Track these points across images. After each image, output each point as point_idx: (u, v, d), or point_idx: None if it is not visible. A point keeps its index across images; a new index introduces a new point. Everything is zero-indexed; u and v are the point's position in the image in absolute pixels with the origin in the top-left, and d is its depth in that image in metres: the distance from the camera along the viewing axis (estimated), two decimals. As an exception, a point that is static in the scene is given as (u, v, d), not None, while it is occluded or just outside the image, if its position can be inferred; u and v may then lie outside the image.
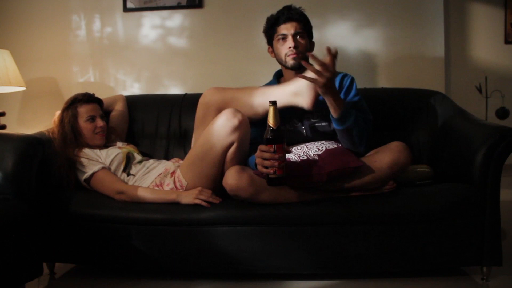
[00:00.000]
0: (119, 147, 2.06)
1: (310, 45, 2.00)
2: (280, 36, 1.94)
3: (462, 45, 3.30)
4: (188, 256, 1.77)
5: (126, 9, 2.73)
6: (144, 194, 1.83)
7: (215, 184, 1.81)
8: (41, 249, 1.76)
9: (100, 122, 2.06)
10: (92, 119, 2.04)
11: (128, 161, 1.99)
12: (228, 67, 2.71)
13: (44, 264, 1.82)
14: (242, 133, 1.74)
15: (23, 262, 1.58)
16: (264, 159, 1.58)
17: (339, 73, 2.00)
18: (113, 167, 1.96)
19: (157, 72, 2.76)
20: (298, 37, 1.92)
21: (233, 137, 1.73)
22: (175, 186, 1.85)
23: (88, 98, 2.07)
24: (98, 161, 1.94)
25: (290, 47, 1.91)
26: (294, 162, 1.72)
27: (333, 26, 2.60)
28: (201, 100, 1.91)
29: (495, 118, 3.20)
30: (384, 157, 1.74)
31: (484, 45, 3.34)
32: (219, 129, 1.73)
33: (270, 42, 2.03)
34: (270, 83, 2.06)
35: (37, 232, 1.69)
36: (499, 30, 3.37)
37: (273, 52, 2.02)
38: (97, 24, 2.76)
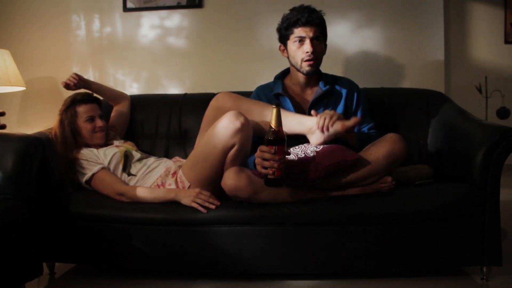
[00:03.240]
0: (117, 146, 2.06)
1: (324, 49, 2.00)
2: (297, 38, 1.90)
3: (462, 45, 3.29)
4: (188, 256, 1.77)
5: (126, 9, 2.73)
6: (144, 194, 1.83)
7: (216, 185, 1.80)
8: (41, 249, 1.76)
9: (99, 122, 2.05)
10: (91, 119, 2.03)
11: (127, 159, 1.99)
12: (227, 67, 2.71)
13: (44, 264, 1.81)
14: (244, 135, 1.73)
15: (23, 262, 1.58)
16: (264, 159, 1.58)
17: (342, 78, 2.01)
18: (111, 167, 1.95)
19: (156, 72, 2.76)
20: (315, 41, 1.90)
21: (235, 139, 1.72)
22: (177, 187, 1.85)
23: (87, 98, 2.06)
24: (97, 162, 1.94)
25: (307, 52, 1.89)
26: (292, 161, 1.73)
27: (333, 26, 2.60)
28: (213, 103, 1.89)
29: (496, 118, 3.19)
30: (379, 149, 1.75)
31: (484, 45, 3.34)
32: (221, 131, 1.72)
33: (283, 41, 1.98)
34: (272, 84, 2.05)
35: (37, 232, 1.68)
36: (499, 30, 3.37)
37: (286, 51, 1.99)
38: (96, 24, 2.76)
